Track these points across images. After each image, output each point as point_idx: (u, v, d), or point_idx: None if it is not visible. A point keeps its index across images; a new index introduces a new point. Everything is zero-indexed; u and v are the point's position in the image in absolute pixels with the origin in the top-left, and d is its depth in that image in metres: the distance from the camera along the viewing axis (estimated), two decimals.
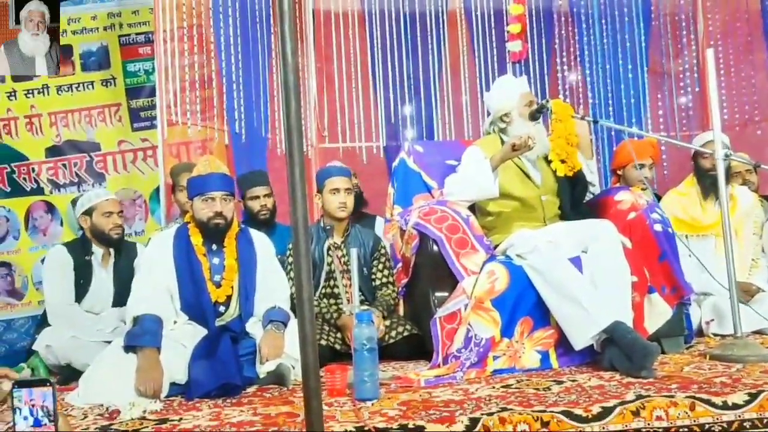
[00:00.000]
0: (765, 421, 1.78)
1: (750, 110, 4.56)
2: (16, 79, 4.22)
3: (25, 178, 4.21)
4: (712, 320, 2.97)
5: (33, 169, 4.21)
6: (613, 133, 4.73)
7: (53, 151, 4.25)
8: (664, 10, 4.87)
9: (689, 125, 4.79)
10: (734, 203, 3.22)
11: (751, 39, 4.54)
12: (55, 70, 3.46)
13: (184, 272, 2.49)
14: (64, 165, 4.25)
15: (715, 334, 2.94)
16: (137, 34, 4.36)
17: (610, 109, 4.78)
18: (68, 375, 2.81)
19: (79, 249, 3.11)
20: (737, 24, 4.62)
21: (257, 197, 3.44)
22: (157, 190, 4.01)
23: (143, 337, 2.29)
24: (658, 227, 2.66)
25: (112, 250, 3.14)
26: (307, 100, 4.54)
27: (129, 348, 2.28)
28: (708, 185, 3.27)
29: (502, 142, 2.91)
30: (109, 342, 2.52)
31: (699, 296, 3.00)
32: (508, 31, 4.59)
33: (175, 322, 2.46)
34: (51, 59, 3.37)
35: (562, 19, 4.82)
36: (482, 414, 1.76)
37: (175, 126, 3.90)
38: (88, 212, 3.09)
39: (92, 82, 4.31)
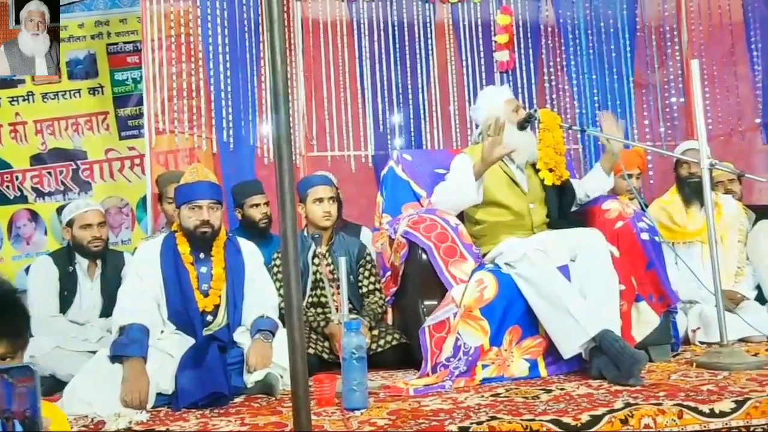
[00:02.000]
0: (751, 428, 1.79)
1: (734, 120, 4.61)
2: (0, 86, 4.19)
3: (8, 186, 4.17)
4: (699, 328, 2.98)
5: (17, 177, 4.17)
6: (600, 142, 4.75)
7: (38, 159, 4.22)
8: (649, 22, 4.92)
9: (674, 135, 4.83)
10: (719, 210, 3.25)
11: (735, 50, 4.60)
12: (55, 70, 3.47)
13: (172, 281, 2.47)
14: (50, 173, 4.21)
15: (702, 342, 2.95)
16: (125, 42, 4.35)
17: (597, 118, 4.81)
18: (52, 386, 2.76)
19: (65, 259, 3.07)
20: (721, 35, 4.68)
21: (258, 205, 3.43)
22: (144, 198, 3.99)
23: (129, 346, 2.26)
24: (645, 236, 2.68)
25: (98, 261, 3.10)
26: (295, 109, 4.54)
27: (115, 358, 2.26)
28: (688, 193, 3.30)
29: None
30: (95, 352, 2.50)
31: (685, 304, 3.02)
32: (495, 41, 4.63)
33: (162, 332, 2.44)
34: (51, 59, 3.36)
35: (549, 29, 4.85)
36: (471, 423, 1.76)
37: (163, 134, 3.88)
38: (69, 224, 3.06)
39: (79, 90, 4.29)
